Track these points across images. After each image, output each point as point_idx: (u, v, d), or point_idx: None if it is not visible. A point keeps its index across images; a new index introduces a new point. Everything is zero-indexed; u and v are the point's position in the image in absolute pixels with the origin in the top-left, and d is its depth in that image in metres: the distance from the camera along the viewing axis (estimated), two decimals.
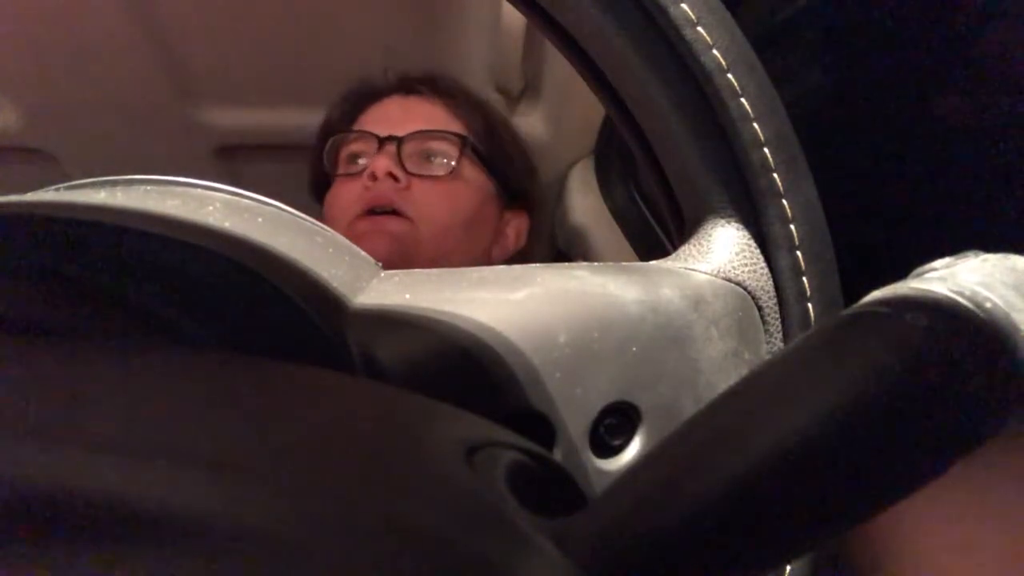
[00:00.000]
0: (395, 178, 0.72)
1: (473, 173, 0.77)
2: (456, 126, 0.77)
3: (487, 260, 0.80)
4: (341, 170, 0.78)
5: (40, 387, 0.14)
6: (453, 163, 0.75)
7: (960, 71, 0.42)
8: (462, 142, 0.76)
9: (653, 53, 0.27)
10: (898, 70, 0.46)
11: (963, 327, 0.16)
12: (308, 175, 0.85)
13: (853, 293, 0.21)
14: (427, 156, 0.75)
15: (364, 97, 0.81)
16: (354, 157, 0.77)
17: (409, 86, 0.80)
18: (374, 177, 0.72)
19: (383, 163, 0.72)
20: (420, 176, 0.73)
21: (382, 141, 0.74)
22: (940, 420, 0.16)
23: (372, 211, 0.72)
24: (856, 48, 0.50)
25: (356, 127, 0.79)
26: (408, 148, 0.74)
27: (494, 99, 0.87)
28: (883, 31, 0.47)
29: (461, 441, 0.16)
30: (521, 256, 0.84)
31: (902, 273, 0.19)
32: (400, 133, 0.74)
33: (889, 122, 0.49)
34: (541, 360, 0.22)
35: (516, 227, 0.83)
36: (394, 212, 0.72)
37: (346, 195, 0.75)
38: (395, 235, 0.71)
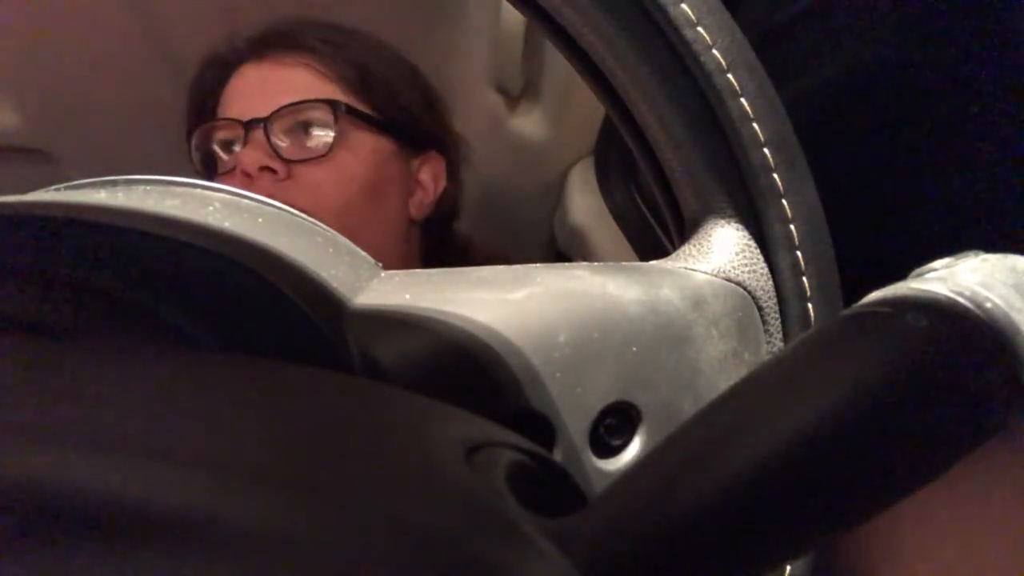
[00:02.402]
0: (272, 170, 0.63)
1: (360, 136, 0.67)
2: (325, 87, 0.67)
3: (406, 216, 0.72)
4: (220, 167, 0.68)
5: (40, 387, 0.14)
6: (331, 137, 0.64)
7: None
8: (334, 108, 0.65)
9: (653, 53, 0.27)
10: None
11: (963, 327, 0.16)
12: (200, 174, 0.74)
13: (853, 293, 0.21)
14: (303, 128, 0.65)
15: (218, 72, 0.71)
16: (227, 145, 0.68)
17: (260, 51, 0.69)
18: (248, 175, 0.63)
19: (253, 157, 0.62)
20: (300, 161, 0.64)
21: (247, 127, 0.64)
22: (940, 420, 0.16)
23: None
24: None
25: (220, 109, 0.69)
26: (277, 128, 0.64)
27: (494, 99, 0.87)
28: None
29: (461, 441, 0.16)
30: (446, 199, 0.76)
31: (902, 273, 0.19)
32: (263, 113, 0.64)
33: (912, 108, 0.49)
34: (541, 360, 0.22)
35: (431, 171, 0.73)
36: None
37: None
38: None
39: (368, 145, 0.68)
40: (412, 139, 0.71)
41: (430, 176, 0.73)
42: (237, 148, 0.66)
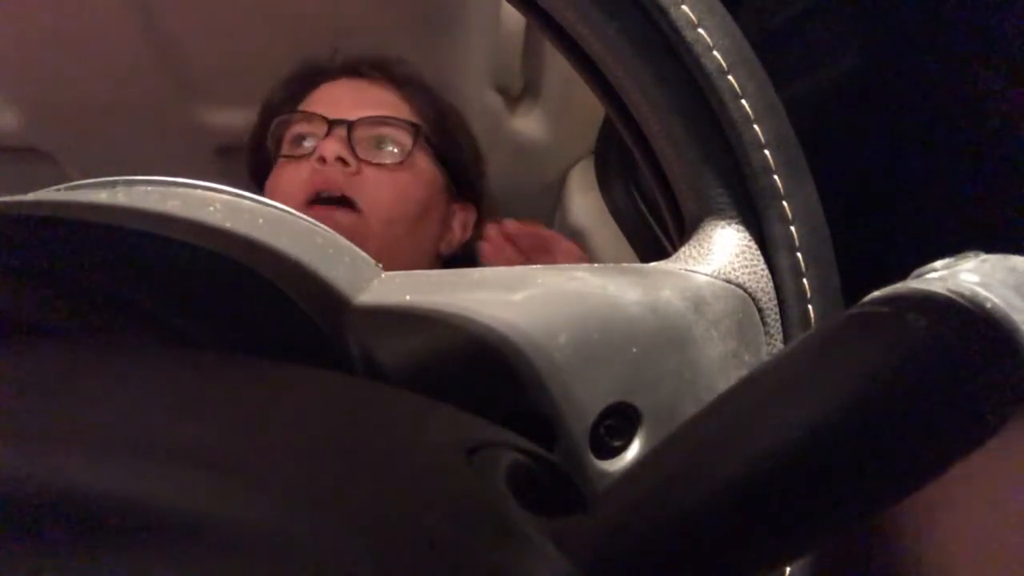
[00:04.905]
0: (345, 163, 0.69)
1: (425, 163, 0.75)
2: (409, 114, 0.75)
3: (435, 253, 0.78)
4: (285, 151, 0.74)
5: (40, 387, 0.14)
6: (406, 152, 0.72)
7: (999, 43, 0.41)
8: (415, 130, 0.73)
9: (654, 55, 0.27)
10: (931, 47, 0.46)
11: (963, 327, 0.16)
12: (247, 157, 0.81)
13: (853, 293, 0.21)
14: (378, 143, 0.72)
15: (310, 78, 0.78)
16: (299, 139, 0.73)
17: (359, 69, 0.77)
18: (323, 160, 0.68)
19: (333, 146, 0.69)
20: (371, 163, 0.71)
21: (332, 124, 0.71)
22: (940, 420, 0.16)
23: (319, 198, 0.69)
24: (889, 24, 0.49)
25: (302, 108, 0.75)
26: (359, 133, 0.71)
27: (494, 99, 0.87)
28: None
29: (461, 441, 0.16)
30: (465, 247, 0.82)
31: (902, 273, 0.19)
32: (351, 117, 0.71)
33: (911, 109, 0.49)
34: (541, 361, 0.22)
35: (462, 219, 0.81)
36: (342, 199, 0.69)
37: (291, 179, 0.71)
38: (344, 228, 0.64)
39: (429, 175, 0.75)
40: (459, 185, 0.79)
41: (460, 223, 0.81)
42: (308, 143, 0.72)
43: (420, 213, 0.73)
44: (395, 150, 0.72)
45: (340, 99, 0.74)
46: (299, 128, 0.74)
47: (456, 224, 0.81)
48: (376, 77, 0.76)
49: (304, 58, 0.78)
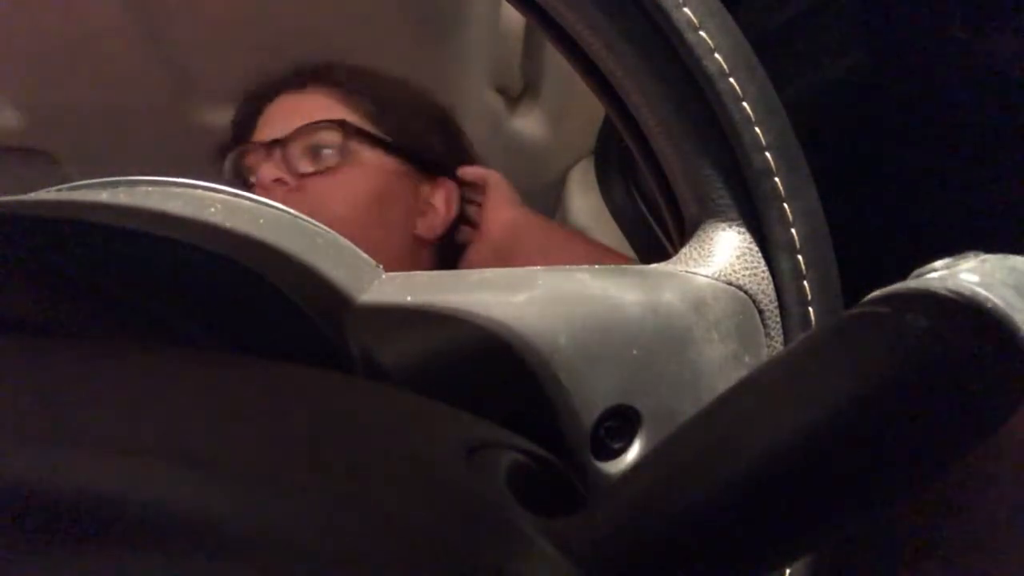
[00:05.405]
0: (284, 183, 0.71)
1: (368, 155, 0.74)
2: (340, 112, 0.74)
3: (412, 236, 0.77)
4: (247, 186, 0.75)
5: (40, 387, 0.14)
6: (338, 153, 0.72)
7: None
8: (343, 128, 0.73)
9: (654, 56, 0.27)
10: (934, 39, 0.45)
11: (963, 328, 0.16)
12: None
13: (853, 293, 0.21)
14: (315, 151, 0.73)
15: (258, 100, 0.79)
16: (250, 171, 0.75)
17: (299, 81, 0.78)
18: (264, 187, 0.70)
19: (268, 172, 0.70)
20: (311, 174, 0.71)
21: (268, 148, 0.72)
22: (940, 419, 0.16)
23: None
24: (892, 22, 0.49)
25: (253, 135, 0.77)
26: (292, 149, 0.72)
27: (494, 99, 0.87)
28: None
29: (461, 441, 0.16)
30: (459, 223, 0.81)
31: (902, 273, 0.19)
32: (282, 135, 0.72)
33: (910, 109, 0.49)
34: (542, 362, 0.22)
35: (444, 196, 0.79)
36: None
37: None
38: None
39: (376, 163, 0.74)
40: (424, 164, 0.78)
41: (443, 201, 0.79)
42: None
43: (376, 205, 0.73)
44: (330, 152, 0.72)
45: (276, 119, 0.75)
46: (247, 161, 0.76)
47: (438, 202, 0.79)
48: (313, 86, 0.76)
49: (248, 85, 0.79)
